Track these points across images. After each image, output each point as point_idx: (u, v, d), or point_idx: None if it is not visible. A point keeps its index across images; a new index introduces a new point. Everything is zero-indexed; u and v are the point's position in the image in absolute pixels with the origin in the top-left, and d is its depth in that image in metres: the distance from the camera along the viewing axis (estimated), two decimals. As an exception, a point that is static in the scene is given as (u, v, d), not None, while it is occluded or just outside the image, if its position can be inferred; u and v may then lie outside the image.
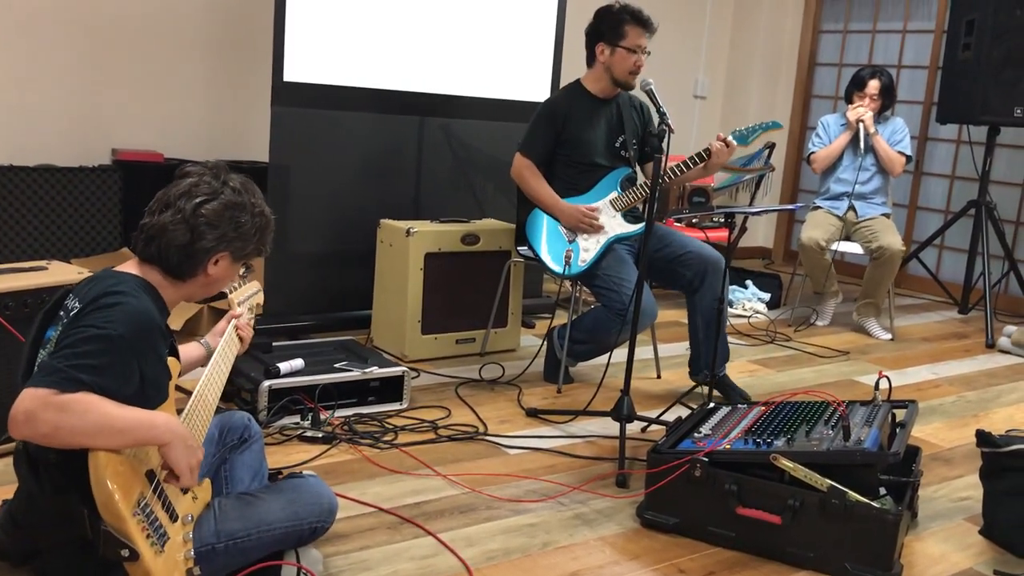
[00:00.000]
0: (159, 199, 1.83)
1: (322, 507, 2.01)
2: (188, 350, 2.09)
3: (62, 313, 1.72)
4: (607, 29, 3.42)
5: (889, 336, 4.74)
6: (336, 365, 3.16)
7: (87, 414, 1.54)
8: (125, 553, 1.57)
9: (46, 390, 1.53)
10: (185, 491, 1.79)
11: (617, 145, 3.53)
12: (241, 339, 2.10)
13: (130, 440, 1.61)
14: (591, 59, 3.49)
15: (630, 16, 3.38)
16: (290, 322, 3.90)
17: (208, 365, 1.94)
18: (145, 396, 1.70)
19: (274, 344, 3.29)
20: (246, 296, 2.18)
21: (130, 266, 1.83)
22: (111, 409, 1.58)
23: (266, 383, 2.93)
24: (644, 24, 3.38)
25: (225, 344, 2.03)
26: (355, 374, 3.10)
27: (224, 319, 2.11)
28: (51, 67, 4.32)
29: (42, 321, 1.77)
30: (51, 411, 1.52)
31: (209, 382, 1.91)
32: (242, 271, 1.99)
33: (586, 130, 3.47)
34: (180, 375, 1.91)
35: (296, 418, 2.95)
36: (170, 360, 1.82)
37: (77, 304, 1.69)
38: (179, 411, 1.82)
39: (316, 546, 2.13)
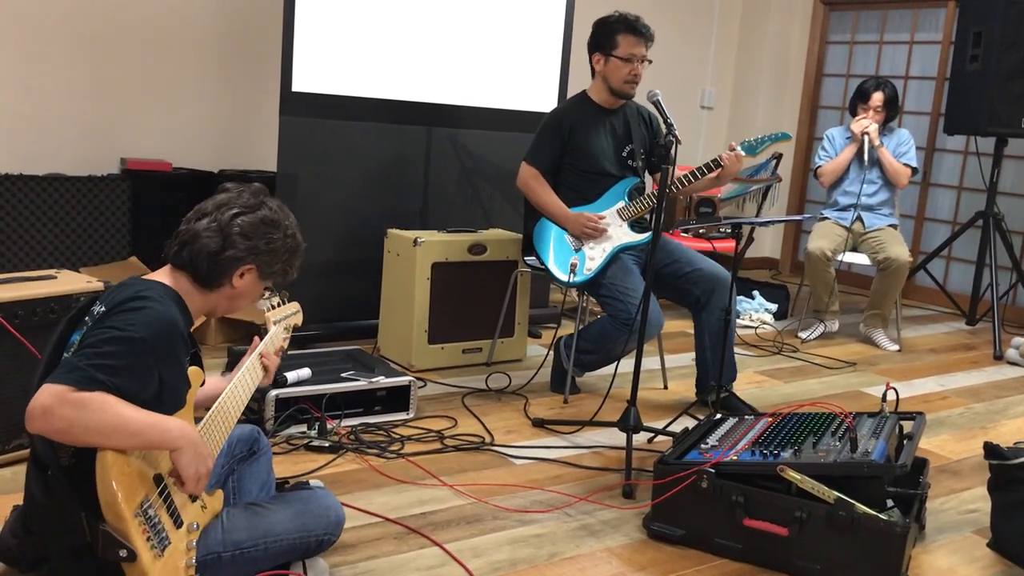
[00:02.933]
0: (197, 209, 1.89)
1: (329, 519, 2.01)
2: (211, 383, 2.07)
3: (87, 319, 1.75)
4: (601, 39, 3.44)
5: (896, 347, 4.73)
6: (343, 375, 3.16)
7: (102, 413, 1.57)
8: (123, 553, 1.58)
9: (64, 387, 1.56)
10: (194, 499, 1.79)
11: (624, 155, 3.53)
12: (266, 368, 2.08)
13: (142, 442, 1.63)
14: (592, 70, 3.51)
15: (623, 25, 3.38)
16: (297, 331, 3.89)
17: (232, 381, 1.95)
18: (162, 402, 1.71)
19: (281, 353, 3.30)
20: (283, 316, 2.19)
21: (160, 274, 1.87)
22: (126, 410, 1.60)
23: (273, 392, 2.94)
24: (637, 32, 3.37)
25: (248, 369, 2.02)
26: (362, 384, 3.11)
27: (249, 350, 2.08)
28: (60, 77, 4.35)
29: (67, 326, 1.79)
30: (67, 407, 1.55)
31: (231, 396, 1.93)
32: (267, 294, 2.02)
33: (592, 140, 3.48)
34: (200, 407, 1.90)
35: (303, 427, 2.95)
36: (193, 370, 1.83)
37: (103, 308, 1.72)
38: (198, 420, 1.83)
39: (323, 556, 2.13)
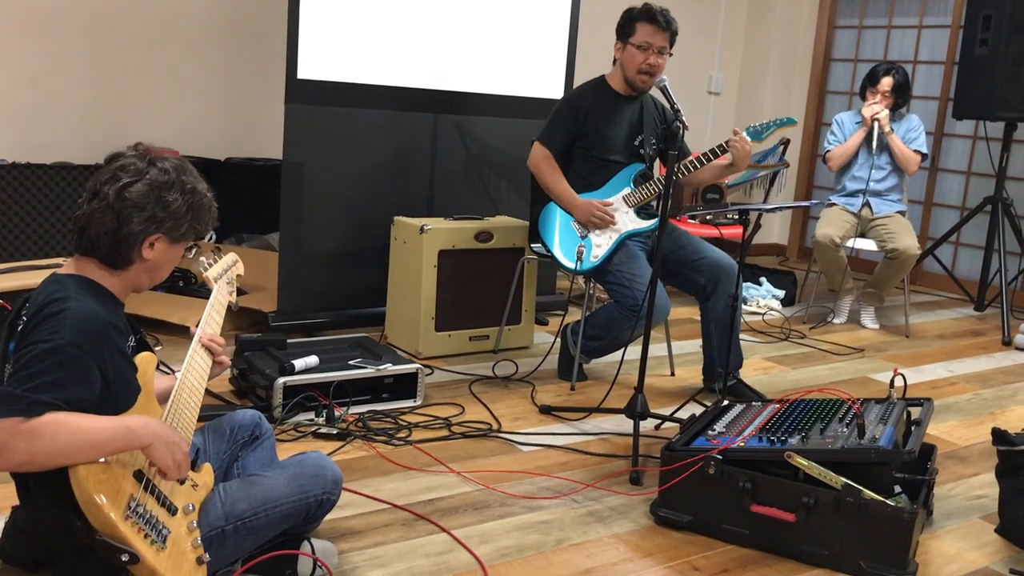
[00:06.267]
0: (88, 188, 1.77)
1: (326, 478, 2.01)
2: (161, 382, 1.96)
3: (20, 323, 1.67)
4: (623, 27, 3.43)
5: (876, 326, 4.80)
6: (350, 362, 3.17)
7: (59, 435, 1.52)
8: (125, 558, 1.57)
9: (11, 419, 1.51)
10: (182, 482, 1.77)
11: (636, 143, 3.52)
12: (212, 354, 1.97)
13: (109, 450, 1.59)
14: (615, 58, 3.50)
15: (643, 13, 3.38)
16: (304, 319, 3.91)
17: (187, 357, 1.89)
18: (114, 395, 1.67)
19: (289, 341, 3.31)
20: (223, 270, 2.06)
21: (69, 266, 1.79)
22: (83, 423, 1.55)
23: (281, 380, 2.94)
24: (656, 21, 3.35)
25: (194, 351, 1.92)
26: (369, 371, 3.11)
27: (192, 330, 1.98)
28: (67, 65, 4.35)
29: (6, 335, 1.70)
30: (22, 440, 1.51)
31: (190, 370, 1.87)
32: (192, 253, 1.92)
33: (607, 126, 3.47)
34: (162, 392, 1.86)
35: (311, 415, 2.96)
36: (145, 355, 1.78)
37: (25, 318, 1.65)
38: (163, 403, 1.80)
39: (331, 541, 2.15)
